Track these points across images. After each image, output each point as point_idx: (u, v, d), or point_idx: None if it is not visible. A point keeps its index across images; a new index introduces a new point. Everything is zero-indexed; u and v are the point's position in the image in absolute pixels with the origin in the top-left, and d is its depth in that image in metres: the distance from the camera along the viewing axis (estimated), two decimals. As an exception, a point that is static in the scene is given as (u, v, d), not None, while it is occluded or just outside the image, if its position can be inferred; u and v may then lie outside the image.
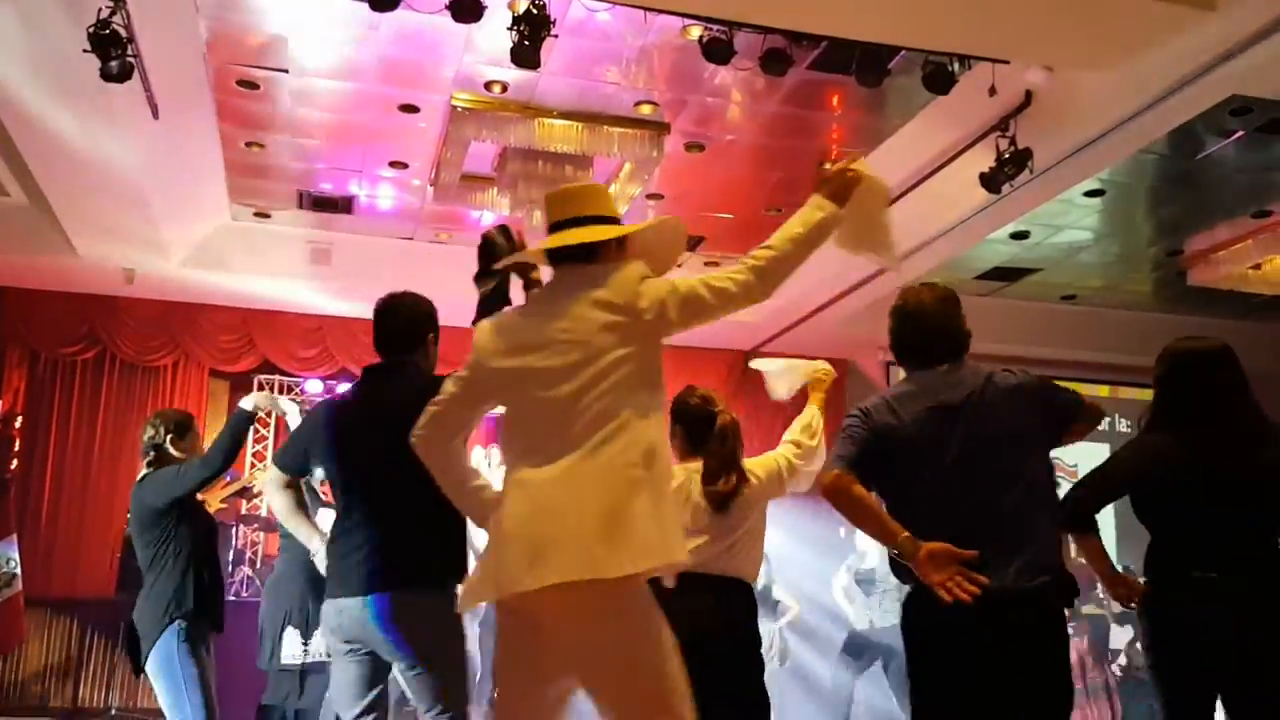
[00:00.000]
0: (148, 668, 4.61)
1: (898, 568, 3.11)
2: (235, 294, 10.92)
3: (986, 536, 2.88)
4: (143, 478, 4.97)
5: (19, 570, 9.17)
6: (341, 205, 9.96)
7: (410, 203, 9.86)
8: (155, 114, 7.19)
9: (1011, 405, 3.15)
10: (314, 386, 11.60)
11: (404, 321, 4.08)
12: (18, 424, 10.52)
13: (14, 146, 7.78)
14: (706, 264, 11.25)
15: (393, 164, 9.04)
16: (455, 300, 12.16)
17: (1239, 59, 6.24)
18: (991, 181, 7.34)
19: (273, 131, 8.54)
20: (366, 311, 12.44)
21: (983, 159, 7.42)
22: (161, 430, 5.08)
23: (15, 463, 10.44)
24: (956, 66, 6.76)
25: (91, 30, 5.82)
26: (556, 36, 6.39)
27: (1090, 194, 9.10)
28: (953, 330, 3.40)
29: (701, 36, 6.57)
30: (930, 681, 2.99)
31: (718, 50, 6.40)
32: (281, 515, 4.09)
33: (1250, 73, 6.41)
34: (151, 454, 5.02)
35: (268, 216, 10.25)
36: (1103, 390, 13.04)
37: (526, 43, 6.20)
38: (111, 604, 9.43)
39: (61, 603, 9.52)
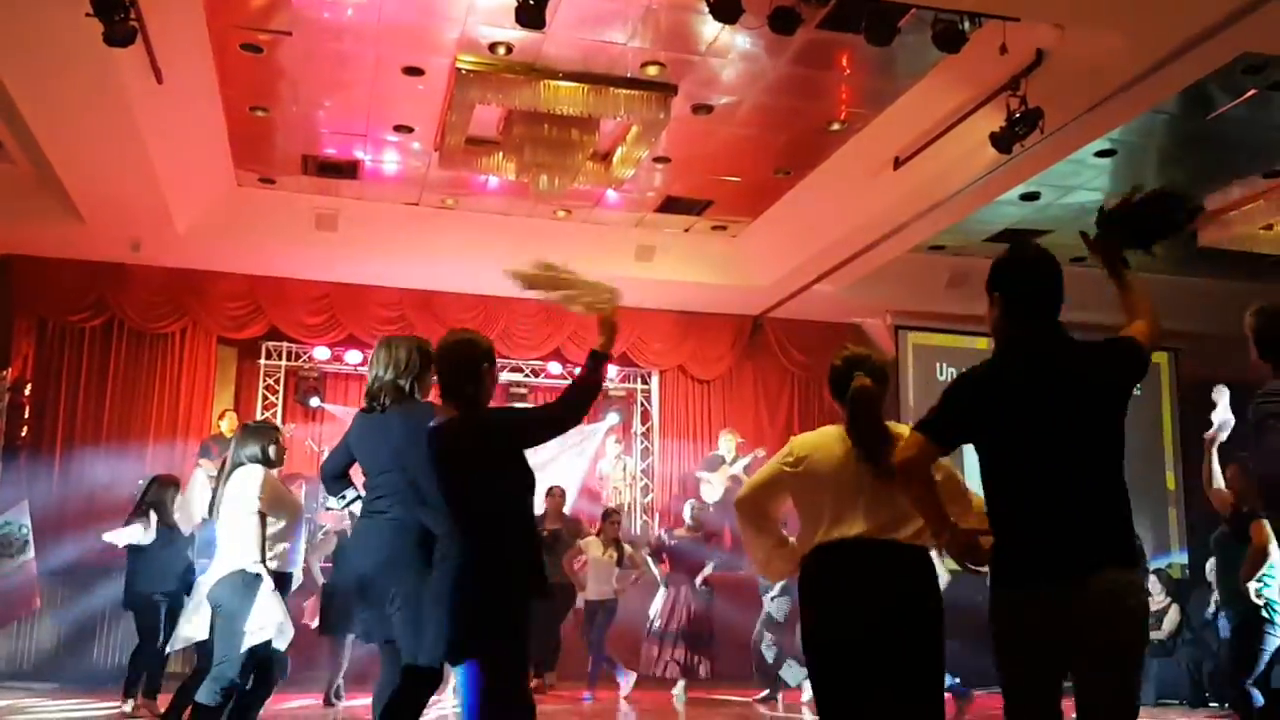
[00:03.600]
0: None
1: None
2: (242, 261, 10.92)
3: None
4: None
5: (31, 537, 9.22)
6: (347, 170, 9.93)
7: (415, 168, 9.82)
8: (159, 79, 7.15)
9: None
10: (321, 353, 11.60)
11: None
12: (27, 391, 10.56)
13: (19, 114, 7.74)
14: (714, 228, 11.22)
15: (397, 128, 8.99)
16: (462, 266, 12.23)
17: (1251, 16, 6.15)
18: (1002, 141, 7.27)
19: (276, 96, 8.49)
20: (373, 278, 12.51)
21: (993, 119, 7.36)
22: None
23: (25, 430, 10.48)
24: (967, 24, 6.68)
25: (93, -6, 5.78)
26: (562, -4, 6.34)
27: (1101, 154, 9.03)
28: None
29: (708, -6, 6.48)
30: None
31: (725, 8, 6.31)
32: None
33: (1263, 29, 6.32)
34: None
35: (273, 183, 10.22)
36: (1112, 352, 13.01)
37: (531, 2, 6.14)
38: (123, 571, 9.46)
39: (73, 570, 9.55)
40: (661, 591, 9.35)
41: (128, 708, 7.21)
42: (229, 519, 4.93)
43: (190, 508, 7.08)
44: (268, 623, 4.76)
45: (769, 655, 8.87)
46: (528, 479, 3.55)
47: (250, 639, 4.72)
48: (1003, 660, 2.80)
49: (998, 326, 3.04)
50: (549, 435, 3.69)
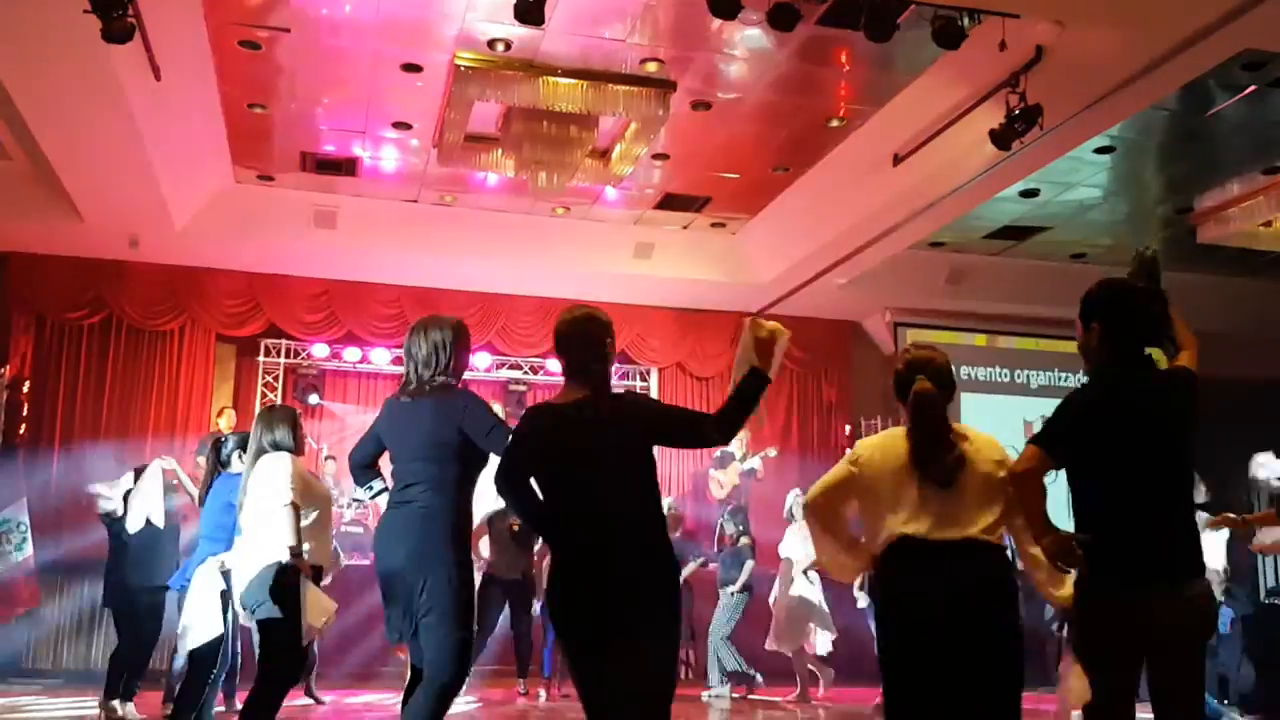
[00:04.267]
0: None
1: None
2: (240, 258, 10.91)
3: None
4: None
5: (29, 534, 9.21)
6: (345, 167, 9.91)
7: (414, 165, 9.81)
8: (157, 75, 7.14)
9: None
10: (320, 350, 11.59)
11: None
12: (25, 389, 10.54)
13: (17, 111, 7.73)
14: (713, 225, 11.21)
15: (396, 125, 8.98)
16: (461, 263, 12.23)
17: (1251, 12, 6.14)
18: (1001, 138, 7.26)
19: (275, 93, 8.48)
20: (372, 275, 12.50)
21: (992, 115, 7.34)
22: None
23: (24, 427, 10.47)
24: (966, 21, 6.67)
25: (91, -10, 5.77)
26: (560, -7, 6.32)
27: (1101, 150, 9.02)
28: None
29: (708, -9, 6.46)
30: None
31: (724, 4, 6.29)
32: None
33: (1262, 26, 6.31)
34: None
35: (271, 180, 10.21)
36: (1111, 349, 13.01)
37: (530, -1, 6.12)
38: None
39: (72, 566, 9.54)
40: None
41: (102, 717, 6.82)
42: (258, 510, 4.71)
43: (147, 501, 6.89)
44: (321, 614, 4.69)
45: (726, 653, 8.92)
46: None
47: (309, 633, 4.66)
48: (1093, 654, 3.17)
49: (1092, 351, 3.34)
50: (686, 444, 3.71)
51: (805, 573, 8.96)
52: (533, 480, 3.36)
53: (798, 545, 9.06)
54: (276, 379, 11.66)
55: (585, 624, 3.21)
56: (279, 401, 11.57)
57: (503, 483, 3.38)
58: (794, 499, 9.19)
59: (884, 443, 3.45)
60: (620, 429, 3.29)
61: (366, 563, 8.73)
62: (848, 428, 12.75)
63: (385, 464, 4.20)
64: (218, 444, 5.86)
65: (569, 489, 3.29)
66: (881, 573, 3.37)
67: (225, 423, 10.00)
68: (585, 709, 3.26)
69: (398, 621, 3.85)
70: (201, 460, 9.53)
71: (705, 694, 9.01)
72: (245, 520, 4.80)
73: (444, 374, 4.01)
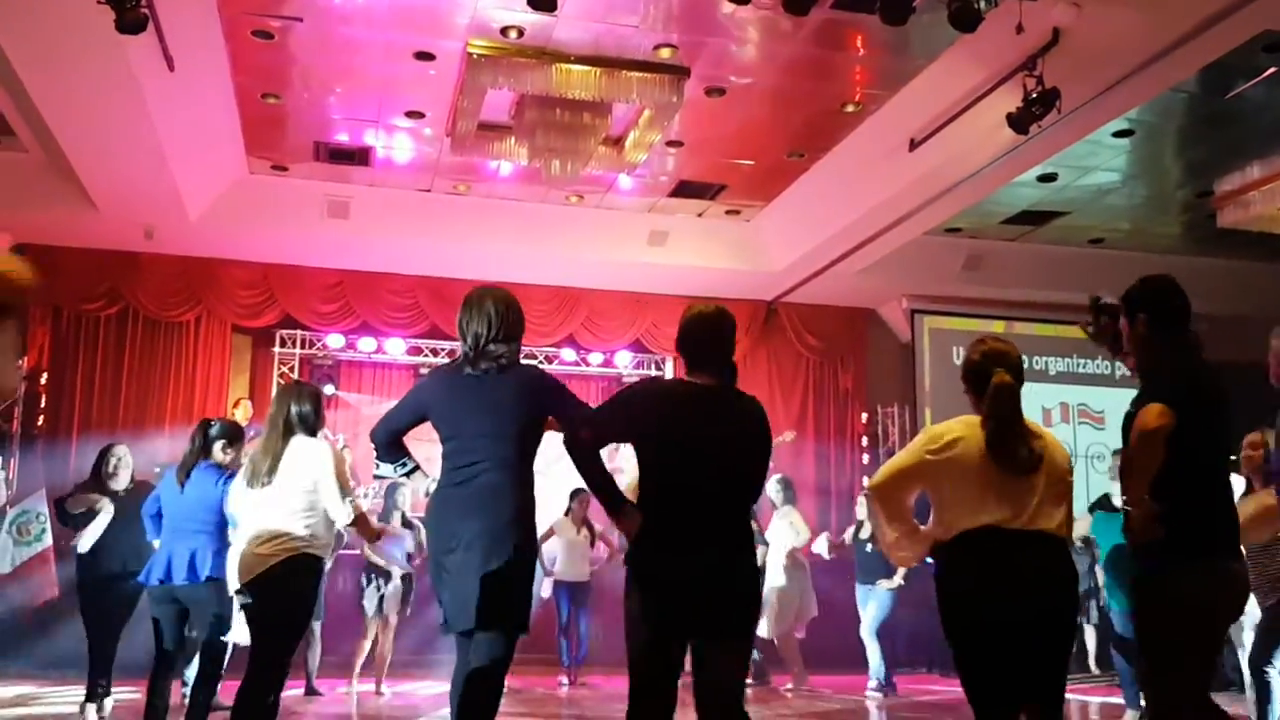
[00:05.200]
0: None
1: None
2: (255, 248, 10.93)
3: None
4: None
5: (49, 525, 9.26)
6: (359, 157, 9.90)
7: (427, 153, 9.79)
8: (171, 66, 7.14)
9: None
10: (335, 341, 11.61)
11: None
12: (43, 380, 10.59)
13: (32, 103, 7.75)
14: (728, 212, 11.16)
15: (409, 113, 8.96)
16: (474, 252, 12.21)
17: (1273, -8, 6.08)
18: (1019, 122, 7.19)
19: (288, 83, 8.47)
20: (386, 265, 12.49)
21: (1010, 99, 7.27)
22: None
23: (42, 419, 10.52)
24: (983, 3, 6.58)
25: (104, -19, 5.77)
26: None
27: (1119, 134, 8.94)
28: None
29: (721, -23, 6.43)
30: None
31: (738, -10, 6.25)
32: None
33: (1285, 6, 6.25)
34: None
35: (285, 170, 10.21)
36: (1130, 335, 12.92)
37: (543, -15, 6.09)
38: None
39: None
40: None
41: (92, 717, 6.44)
42: (293, 492, 4.51)
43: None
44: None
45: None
46: None
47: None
48: (1193, 625, 3.28)
49: (1143, 340, 3.63)
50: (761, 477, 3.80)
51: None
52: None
53: (785, 530, 9.11)
54: (292, 370, 11.68)
55: (680, 607, 3.30)
56: (295, 392, 11.60)
57: (589, 436, 3.47)
58: (773, 488, 9.21)
59: (963, 431, 3.50)
60: (743, 427, 3.47)
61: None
62: (864, 415, 12.72)
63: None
64: (205, 426, 5.61)
65: (682, 465, 3.37)
66: (957, 558, 3.43)
67: (241, 413, 10.02)
68: (654, 691, 3.30)
69: (456, 605, 3.68)
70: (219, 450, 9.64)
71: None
72: (273, 505, 4.53)
73: (511, 346, 3.88)
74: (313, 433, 4.67)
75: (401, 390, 12.01)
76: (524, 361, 4.00)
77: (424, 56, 7.96)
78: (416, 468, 4.08)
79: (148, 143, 8.22)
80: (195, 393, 11.12)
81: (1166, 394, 3.33)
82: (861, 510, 9.02)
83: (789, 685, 9.03)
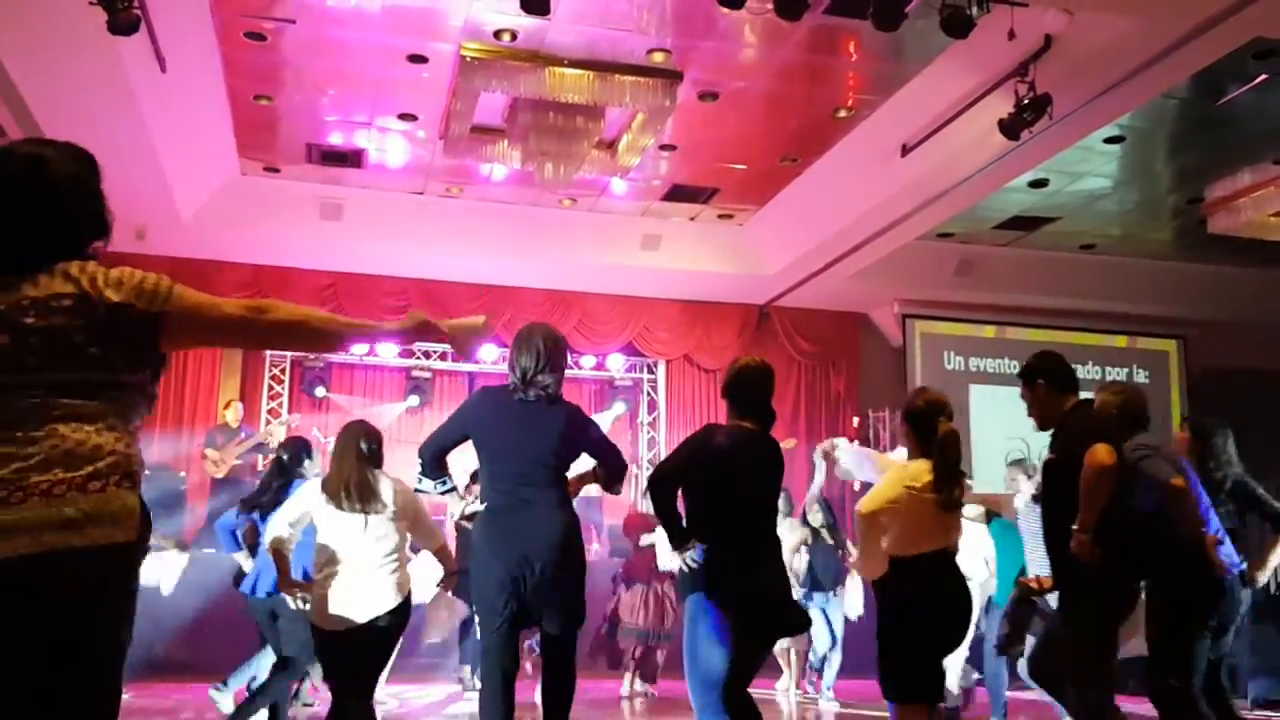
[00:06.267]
0: None
1: None
2: (247, 250, 10.90)
3: None
4: None
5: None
6: (351, 159, 9.90)
7: (420, 156, 9.79)
8: (163, 67, 7.12)
9: None
10: (328, 342, 11.57)
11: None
12: (33, 382, 10.53)
13: (23, 103, 7.72)
14: (721, 216, 11.18)
15: (402, 116, 8.96)
16: (467, 255, 12.17)
17: (1263, 1, 6.10)
18: (1010, 128, 7.22)
19: (281, 84, 8.46)
20: (378, 267, 12.44)
21: (1001, 105, 7.30)
22: None
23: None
24: (975, 10, 6.60)
25: (96, -18, 5.76)
26: (566, -17, 6.29)
27: (1110, 140, 8.98)
28: None
29: (714, -19, 6.42)
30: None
31: (731, -6, 6.25)
32: None
33: (1274, 14, 6.28)
34: None
35: (277, 171, 10.20)
36: (1121, 340, 12.97)
37: (536, -11, 6.09)
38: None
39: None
40: (623, 589, 8.64)
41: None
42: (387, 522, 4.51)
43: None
44: None
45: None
46: None
47: None
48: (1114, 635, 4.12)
49: (1043, 402, 4.41)
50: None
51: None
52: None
53: (785, 534, 9.02)
54: (284, 371, 11.66)
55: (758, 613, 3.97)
56: (285, 393, 11.60)
57: (666, 480, 4.08)
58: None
59: (919, 472, 4.09)
60: (775, 463, 4.19)
61: None
62: (855, 419, 12.72)
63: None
64: (300, 447, 5.61)
65: (729, 502, 4.02)
66: (920, 574, 4.04)
67: (232, 415, 10.03)
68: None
69: (505, 615, 3.99)
70: (211, 452, 9.63)
71: None
72: (369, 523, 4.48)
73: (556, 377, 4.19)
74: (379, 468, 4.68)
75: (393, 393, 12.07)
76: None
77: (417, 59, 7.96)
78: (454, 489, 4.42)
79: (140, 144, 8.20)
80: (185, 394, 11.11)
81: (1078, 442, 4.06)
82: (816, 518, 8.84)
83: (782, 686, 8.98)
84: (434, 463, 4.26)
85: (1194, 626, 4.30)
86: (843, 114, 8.84)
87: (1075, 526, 3.97)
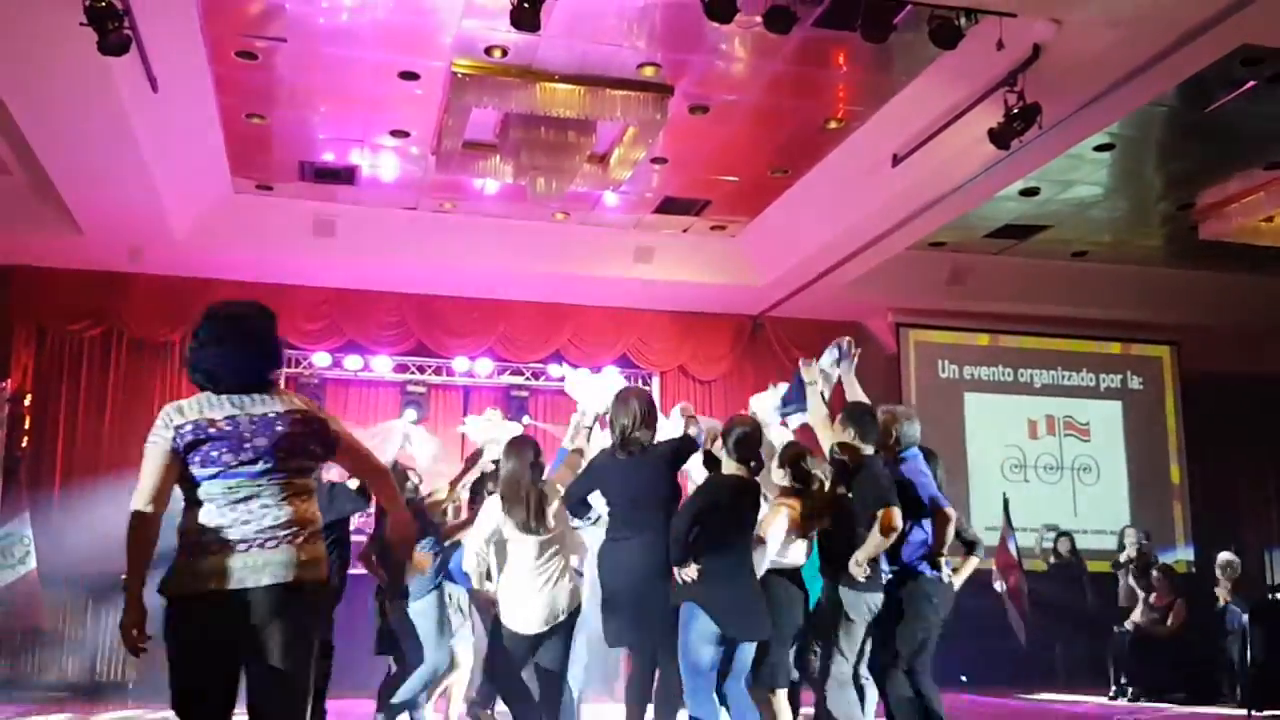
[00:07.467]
0: None
1: None
2: (241, 268, 10.88)
3: None
4: None
5: (32, 548, 9.20)
6: (344, 176, 9.91)
7: (413, 172, 9.81)
8: (154, 87, 7.14)
9: None
10: (321, 359, 11.58)
11: None
12: (27, 402, 10.53)
13: (15, 124, 7.73)
14: (713, 228, 11.20)
15: (394, 132, 8.98)
16: (461, 270, 12.20)
17: (1249, 8, 6.14)
18: (1000, 137, 7.25)
19: (273, 103, 8.48)
20: (372, 283, 12.47)
21: (991, 115, 7.33)
22: None
23: (26, 441, 10.46)
24: (963, 20, 6.65)
25: (88, 3, 5.77)
26: (556, -2, 6.32)
27: (1100, 148, 9.02)
28: None
29: (703, -6, 6.44)
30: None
31: (720, 7, 6.28)
32: None
33: (1260, 22, 6.32)
34: None
35: (270, 189, 10.21)
36: (1114, 347, 13.00)
37: (526, 4, 6.12)
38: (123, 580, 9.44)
39: (75, 580, 9.53)
40: None
41: None
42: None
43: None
44: None
45: None
46: None
47: None
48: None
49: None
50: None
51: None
52: None
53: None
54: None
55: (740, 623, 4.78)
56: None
57: (695, 517, 4.78)
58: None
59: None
60: (758, 502, 5.08)
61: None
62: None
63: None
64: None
65: (726, 535, 4.81)
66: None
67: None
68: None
69: (620, 628, 4.92)
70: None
71: None
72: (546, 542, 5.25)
73: (648, 434, 5.02)
74: None
75: (388, 408, 12.00)
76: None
77: (409, 76, 7.98)
78: (600, 518, 5.15)
79: (132, 163, 8.22)
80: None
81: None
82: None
83: None
84: (578, 506, 5.16)
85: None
86: (833, 125, 8.87)
87: None
